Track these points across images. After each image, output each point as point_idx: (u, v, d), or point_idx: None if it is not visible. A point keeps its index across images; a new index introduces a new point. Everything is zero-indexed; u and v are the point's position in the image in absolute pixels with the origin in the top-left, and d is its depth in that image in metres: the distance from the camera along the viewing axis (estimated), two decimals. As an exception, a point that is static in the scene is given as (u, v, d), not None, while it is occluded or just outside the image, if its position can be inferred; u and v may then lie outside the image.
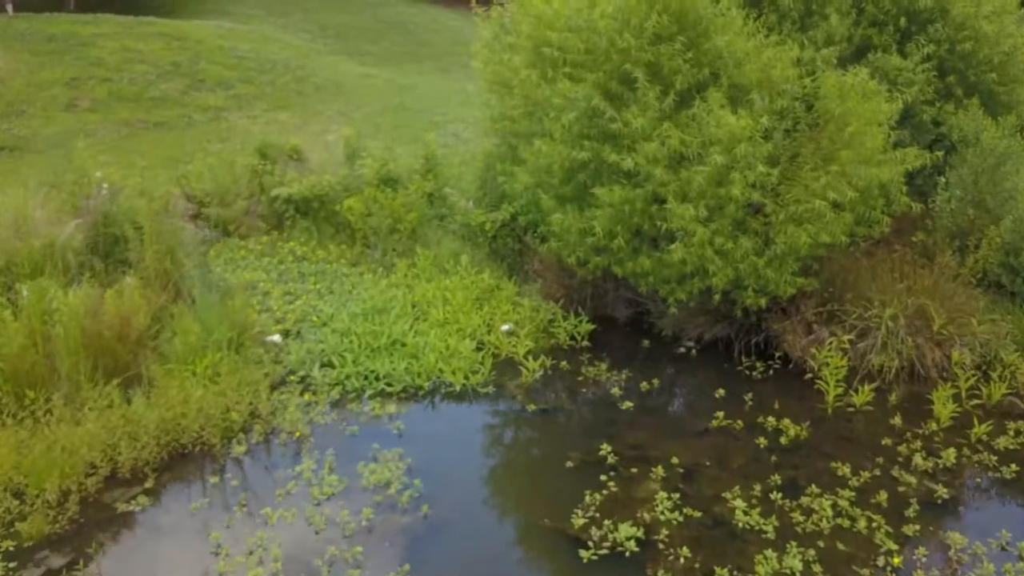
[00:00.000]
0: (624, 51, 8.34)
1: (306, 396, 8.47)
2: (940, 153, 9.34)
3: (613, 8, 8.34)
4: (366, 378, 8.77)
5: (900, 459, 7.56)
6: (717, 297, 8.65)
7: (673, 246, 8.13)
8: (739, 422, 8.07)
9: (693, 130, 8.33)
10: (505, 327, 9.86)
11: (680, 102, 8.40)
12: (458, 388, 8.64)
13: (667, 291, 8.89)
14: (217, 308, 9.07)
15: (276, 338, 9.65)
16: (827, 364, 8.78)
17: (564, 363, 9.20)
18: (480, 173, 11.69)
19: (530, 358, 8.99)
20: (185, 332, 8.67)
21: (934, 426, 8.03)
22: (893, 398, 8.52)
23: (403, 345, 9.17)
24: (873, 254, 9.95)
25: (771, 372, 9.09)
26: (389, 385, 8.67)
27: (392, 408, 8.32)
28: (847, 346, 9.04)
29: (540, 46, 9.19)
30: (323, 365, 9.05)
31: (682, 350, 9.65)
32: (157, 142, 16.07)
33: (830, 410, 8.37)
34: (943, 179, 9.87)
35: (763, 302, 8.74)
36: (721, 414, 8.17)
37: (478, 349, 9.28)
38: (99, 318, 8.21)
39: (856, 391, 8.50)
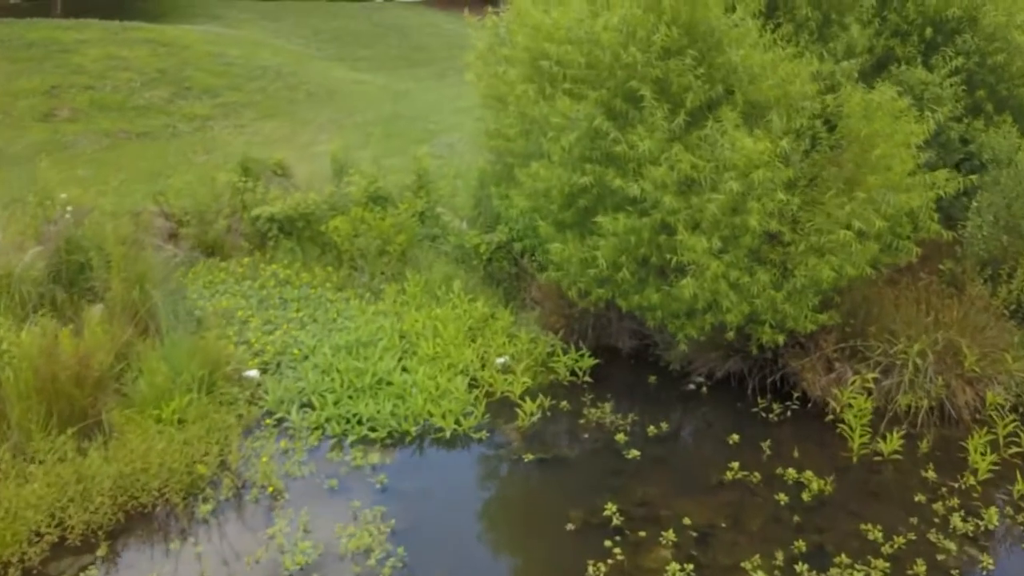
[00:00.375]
0: (629, 66, 7.62)
1: (282, 444, 7.75)
2: (973, 177, 8.58)
3: (618, 19, 7.61)
4: (348, 422, 8.04)
5: (936, 520, 6.82)
6: (731, 334, 7.93)
7: (684, 281, 7.40)
8: (756, 474, 7.35)
9: (705, 152, 7.61)
10: (500, 360, 9.14)
11: (691, 122, 7.68)
12: (448, 433, 7.92)
13: (676, 327, 8.17)
14: (187, 343, 8.35)
15: (253, 373, 8.94)
16: (850, 406, 8.07)
17: (564, 402, 8.48)
18: (474, 191, 10.97)
19: (527, 399, 8.26)
20: (151, 372, 7.96)
21: (971, 480, 7.30)
22: (924, 445, 7.80)
23: (389, 384, 8.44)
24: (897, 282, 9.22)
25: (789, 413, 8.36)
26: (373, 430, 7.94)
27: (375, 457, 7.58)
28: (871, 385, 8.32)
29: (537, 59, 8.47)
30: (303, 406, 8.33)
31: (691, 387, 8.93)
32: (139, 154, 15.35)
33: (855, 459, 7.65)
34: (974, 203, 9.13)
35: (781, 339, 8.02)
36: (736, 464, 7.44)
37: (471, 387, 8.56)
38: (55, 359, 7.49)
39: (883, 437, 7.77)
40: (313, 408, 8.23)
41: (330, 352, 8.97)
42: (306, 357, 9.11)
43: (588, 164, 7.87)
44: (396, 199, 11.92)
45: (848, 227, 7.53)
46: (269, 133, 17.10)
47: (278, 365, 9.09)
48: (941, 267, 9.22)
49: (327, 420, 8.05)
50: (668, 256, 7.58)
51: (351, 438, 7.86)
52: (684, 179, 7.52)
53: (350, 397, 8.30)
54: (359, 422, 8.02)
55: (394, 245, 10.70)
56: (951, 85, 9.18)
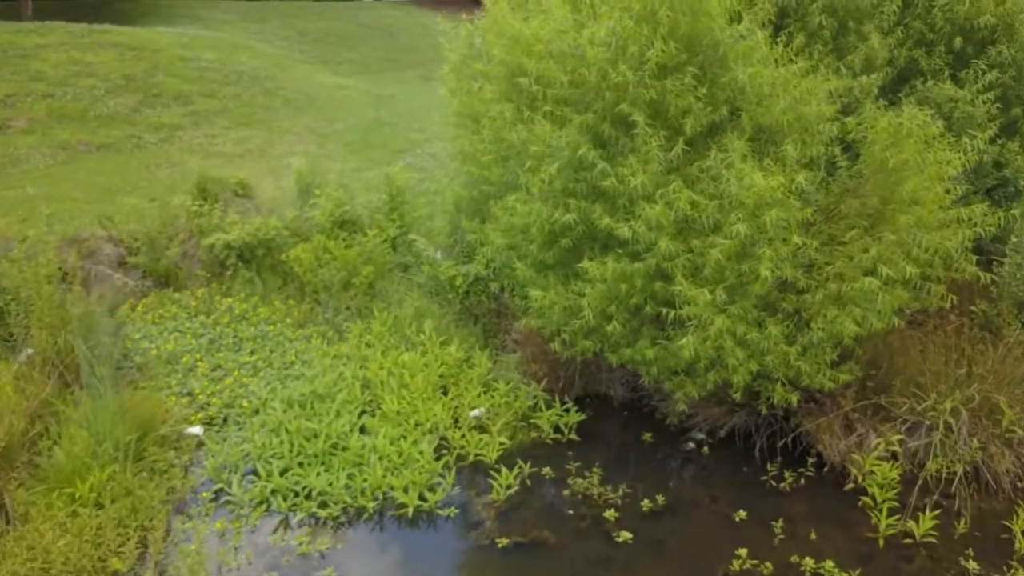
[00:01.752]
0: (619, 87, 6.55)
1: (219, 524, 6.68)
2: (1015, 211, 7.52)
3: (605, 32, 6.53)
4: (296, 495, 6.98)
5: (982, 627, 5.79)
6: (738, 395, 6.88)
7: (683, 340, 6.33)
8: (768, 564, 6.30)
9: (707, 186, 6.55)
10: (475, 412, 8.09)
11: (691, 151, 6.61)
12: (411, 510, 6.85)
13: (675, 384, 7.12)
14: (115, 402, 7.28)
15: (196, 430, 7.89)
16: (873, 473, 7.03)
17: (547, 468, 7.42)
18: (451, 216, 9.89)
19: (503, 466, 7.20)
20: (71, 439, 6.90)
21: (1020, 571, 6.25)
22: (961, 525, 6.74)
23: (344, 449, 7.37)
24: (923, 325, 8.16)
25: (803, 481, 7.32)
26: (324, 506, 6.88)
27: (325, 542, 6.52)
28: (896, 447, 7.28)
29: (515, 75, 7.39)
30: (247, 473, 7.27)
31: (691, 446, 7.88)
32: (97, 168, 14.25)
33: (882, 542, 6.60)
34: (1012, 238, 8.06)
35: (795, 399, 6.97)
36: (744, 552, 6.40)
37: (440, 450, 7.51)
38: (-49, 427, 6.43)
39: (913, 514, 6.73)
40: (259, 476, 7.17)
41: (282, 407, 7.91)
42: (256, 411, 8.06)
43: (572, 199, 6.80)
44: (366, 223, 10.87)
45: (874, 274, 6.46)
46: (242, 143, 16.02)
47: (225, 420, 8.05)
48: (973, 308, 8.16)
49: (272, 493, 6.99)
50: (664, 310, 6.50)
51: (299, 516, 6.81)
52: (683, 218, 6.45)
53: (300, 464, 7.23)
54: (308, 496, 6.95)
55: (360, 277, 9.62)
56: (984, 102, 8.10)
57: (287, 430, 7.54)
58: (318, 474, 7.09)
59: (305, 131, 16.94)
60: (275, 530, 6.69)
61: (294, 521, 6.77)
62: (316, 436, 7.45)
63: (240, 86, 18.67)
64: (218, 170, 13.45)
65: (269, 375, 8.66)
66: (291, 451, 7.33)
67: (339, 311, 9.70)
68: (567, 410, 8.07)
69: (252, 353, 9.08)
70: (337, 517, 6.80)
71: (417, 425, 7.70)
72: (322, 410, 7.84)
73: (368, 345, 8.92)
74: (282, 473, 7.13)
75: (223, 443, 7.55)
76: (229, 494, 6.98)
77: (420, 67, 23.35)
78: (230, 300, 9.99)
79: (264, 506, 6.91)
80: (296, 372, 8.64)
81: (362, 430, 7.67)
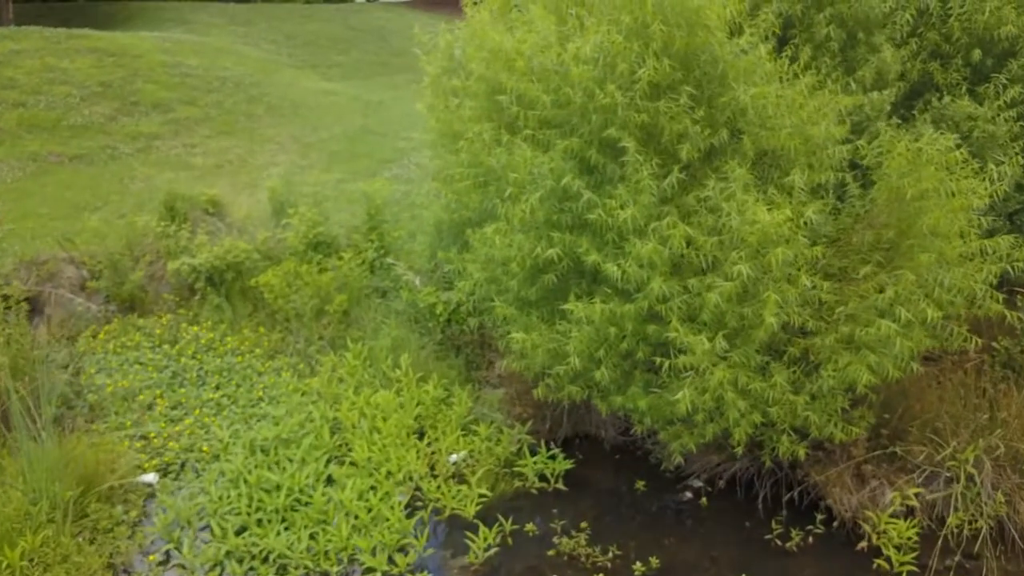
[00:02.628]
0: (607, 108, 5.89)
1: (163, 594, 6.04)
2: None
3: (591, 48, 5.87)
4: (254, 558, 6.32)
5: None
6: (739, 449, 6.23)
7: (679, 394, 5.67)
8: (773, 641, 5.65)
9: (704, 218, 5.90)
10: (453, 458, 7.45)
11: (687, 179, 5.95)
12: (379, 575, 6.20)
13: (670, 435, 6.48)
14: (54, 453, 6.62)
15: (150, 478, 7.26)
16: (888, 533, 6.40)
17: (530, 524, 6.76)
18: (431, 240, 9.22)
19: (482, 525, 6.55)
20: (3, 497, 6.24)
21: (1055, 651, 5.62)
22: (987, 593, 6.10)
23: (307, 504, 6.72)
24: (939, 361, 7.52)
25: (811, 539, 6.66)
26: (283, 571, 6.22)
27: (281, 616, 5.88)
28: (913, 501, 6.64)
29: (496, 93, 6.74)
30: (202, 530, 6.63)
31: (688, 495, 7.24)
32: (68, 182, 13.60)
33: (899, 613, 5.95)
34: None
35: (802, 452, 6.32)
36: (747, 626, 5.75)
37: (413, 505, 6.86)
38: None
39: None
40: (214, 535, 6.51)
41: (244, 452, 7.26)
42: (216, 457, 7.41)
43: (555, 231, 6.15)
44: (344, 243, 10.23)
45: (889, 315, 5.81)
46: (221, 153, 15.39)
47: (182, 466, 7.42)
48: (995, 345, 7.51)
49: (227, 555, 6.33)
50: (658, 358, 5.85)
51: (255, 582, 6.15)
52: (679, 256, 5.80)
53: (258, 523, 6.58)
54: (266, 559, 6.30)
55: (334, 305, 8.97)
56: (1006, 120, 7.46)
57: (246, 481, 6.88)
58: (278, 533, 6.44)
59: (289, 140, 16.34)
60: (228, 599, 6.04)
61: (249, 589, 6.11)
62: (278, 489, 6.80)
63: (223, 93, 18.04)
64: (195, 182, 12.86)
65: (233, 414, 8.03)
66: (249, 506, 6.67)
67: (311, 341, 9.06)
68: (553, 456, 7.41)
69: (217, 388, 8.45)
70: (296, 584, 6.15)
71: (389, 475, 7.05)
72: (288, 455, 7.19)
73: (340, 380, 8.27)
74: (238, 532, 6.47)
75: (177, 495, 6.90)
76: (180, 557, 6.33)
77: (411, 71, 22.56)
78: (196, 328, 9.35)
79: (217, 570, 6.25)
80: (262, 411, 8.00)
81: (329, 480, 7.02)
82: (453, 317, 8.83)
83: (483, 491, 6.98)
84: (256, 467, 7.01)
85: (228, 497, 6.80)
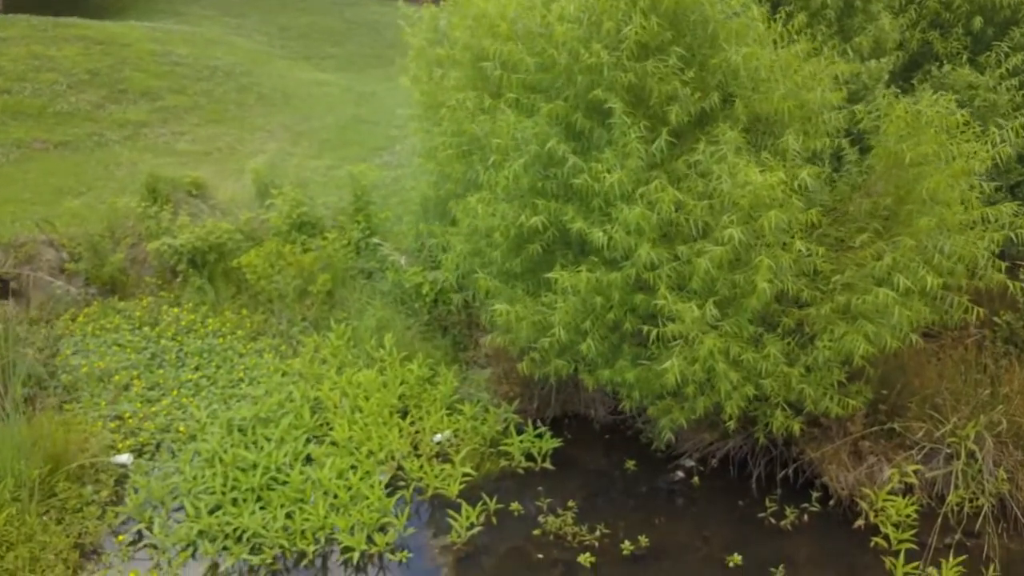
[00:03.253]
0: (593, 69, 5.67)
1: (132, 574, 5.79)
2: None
3: (576, 6, 5.64)
4: (227, 537, 6.09)
5: None
6: (731, 424, 6.00)
7: (667, 363, 5.44)
8: (766, 622, 5.42)
9: (694, 183, 5.67)
10: (437, 437, 7.22)
11: (676, 143, 5.73)
12: (357, 555, 5.97)
13: (660, 410, 6.25)
14: (21, 432, 6.39)
15: (124, 459, 7.01)
16: (886, 511, 6.17)
17: (515, 503, 6.54)
18: (417, 219, 8.99)
19: (465, 504, 6.32)
20: (-34, 474, 6.02)
21: (1060, 630, 5.39)
22: (991, 572, 5.85)
23: (284, 483, 6.48)
24: (939, 337, 7.30)
25: (806, 518, 6.44)
26: (257, 551, 5.99)
27: (253, 596, 5.65)
28: (912, 478, 6.41)
29: (480, 60, 6.52)
30: (175, 511, 6.39)
31: (680, 475, 7.01)
32: (51, 168, 13.34)
33: (898, 593, 5.73)
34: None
35: (797, 427, 6.10)
36: (739, 606, 5.52)
37: (395, 485, 6.63)
38: None
39: (932, 557, 5.86)
40: (188, 515, 6.28)
41: (221, 431, 7.03)
42: (193, 437, 7.18)
43: (540, 199, 5.92)
44: (330, 225, 9.99)
45: (888, 283, 5.59)
46: (210, 141, 15.13)
47: (158, 447, 7.19)
48: (996, 320, 7.29)
49: (199, 535, 6.10)
50: (646, 327, 5.62)
51: (228, 561, 5.92)
52: (667, 222, 5.57)
53: (233, 502, 6.34)
54: (240, 539, 6.06)
55: (317, 285, 8.74)
56: (1007, 89, 7.25)
57: (221, 460, 6.65)
58: (252, 512, 6.20)
59: (279, 128, 16.09)
60: (201, 579, 5.81)
61: (223, 568, 5.88)
62: (254, 468, 6.56)
63: (213, 82, 17.78)
64: (181, 168, 12.59)
65: (212, 395, 7.80)
66: (224, 485, 6.44)
67: (294, 322, 8.82)
68: (540, 435, 7.19)
69: (196, 369, 8.21)
70: (272, 564, 5.92)
71: (370, 454, 6.82)
72: (266, 434, 6.96)
73: (323, 361, 8.04)
74: (212, 511, 6.24)
75: (151, 475, 6.66)
76: (150, 536, 6.09)
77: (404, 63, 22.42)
78: (177, 311, 9.11)
79: (190, 550, 6.02)
80: (242, 392, 7.77)
81: (308, 460, 6.78)
82: (440, 297, 8.60)
83: (467, 470, 6.75)
84: (232, 446, 6.77)
85: (203, 476, 6.57)
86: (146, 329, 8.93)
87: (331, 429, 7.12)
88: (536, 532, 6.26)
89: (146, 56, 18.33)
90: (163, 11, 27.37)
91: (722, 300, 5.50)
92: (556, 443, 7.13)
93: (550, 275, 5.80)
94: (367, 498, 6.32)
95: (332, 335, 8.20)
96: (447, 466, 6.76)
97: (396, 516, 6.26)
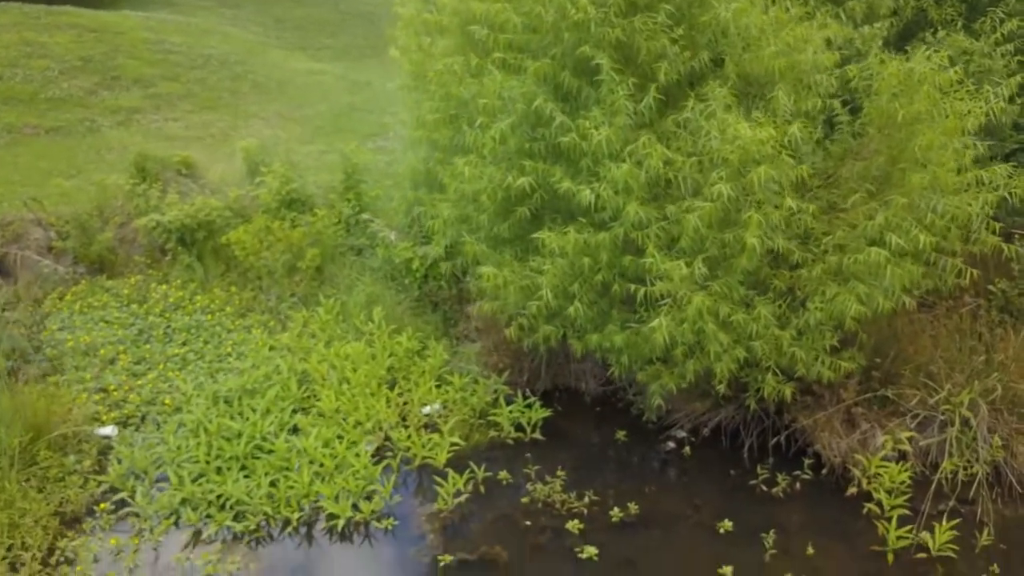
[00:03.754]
0: (580, 25, 5.58)
1: (113, 541, 5.70)
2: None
3: (563, -39, 5.55)
4: (210, 505, 6.00)
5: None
6: (722, 387, 5.91)
7: (655, 322, 5.35)
8: (757, 586, 5.33)
9: (684, 143, 5.58)
10: (426, 409, 7.13)
11: (665, 102, 5.64)
12: (342, 522, 5.88)
13: (649, 376, 6.16)
14: (2, 402, 6.30)
15: (109, 430, 6.92)
16: (880, 477, 6.09)
17: (504, 473, 6.45)
18: (407, 194, 8.89)
19: (452, 472, 6.23)
20: (-55, 441, 5.93)
21: (1054, 592, 5.30)
22: (984, 536, 5.77)
23: (269, 452, 6.39)
24: (934, 306, 7.22)
25: (798, 486, 6.36)
26: (240, 518, 5.90)
27: (236, 562, 5.56)
28: (906, 445, 6.32)
29: (468, 24, 6.42)
30: (159, 480, 6.30)
31: (671, 446, 6.92)
32: (42, 152, 13.26)
33: (891, 557, 5.64)
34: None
35: (788, 391, 6.01)
36: (729, 570, 5.44)
37: (382, 455, 6.54)
38: None
39: (926, 523, 5.78)
40: (171, 484, 6.19)
41: (207, 403, 6.94)
42: (179, 410, 7.08)
43: (528, 160, 5.83)
44: (320, 203, 9.90)
45: (880, 243, 5.50)
46: (204, 127, 15.03)
47: (143, 419, 7.09)
48: (992, 288, 7.20)
49: (183, 503, 6.01)
50: (635, 287, 5.53)
51: (211, 529, 5.82)
52: (656, 180, 5.48)
53: (217, 470, 6.25)
54: (223, 507, 5.97)
55: (306, 261, 8.65)
56: (1002, 55, 7.16)
57: (206, 430, 6.56)
58: (236, 480, 6.11)
59: (273, 116, 15.99)
60: (183, 547, 5.71)
61: (205, 535, 5.78)
62: (239, 436, 6.48)
63: (207, 70, 17.70)
64: (173, 152, 12.50)
65: (199, 368, 7.71)
66: (208, 454, 6.35)
67: (283, 298, 8.74)
68: (530, 406, 7.10)
69: (184, 344, 8.12)
70: (255, 531, 5.83)
71: (357, 424, 6.73)
72: (252, 405, 6.87)
73: (312, 336, 7.95)
74: (195, 480, 6.15)
75: (134, 445, 6.57)
76: (132, 504, 6.00)
77: (400, 53, 22.31)
78: (165, 288, 9.02)
79: (172, 518, 5.93)
80: (229, 366, 7.68)
81: (294, 430, 6.69)
82: (430, 273, 8.51)
83: (456, 440, 6.66)
84: (217, 416, 6.68)
85: (187, 446, 6.48)
86: (134, 306, 8.85)
87: (318, 400, 7.04)
88: (524, 500, 6.18)
89: (139, 44, 18.23)
90: (157, 1, 27.25)
91: (712, 260, 5.42)
92: (545, 413, 7.04)
93: (538, 235, 5.70)
94: (353, 466, 6.23)
95: (321, 310, 8.12)
96: (435, 435, 6.67)
97: (382, 484, 6.17)
